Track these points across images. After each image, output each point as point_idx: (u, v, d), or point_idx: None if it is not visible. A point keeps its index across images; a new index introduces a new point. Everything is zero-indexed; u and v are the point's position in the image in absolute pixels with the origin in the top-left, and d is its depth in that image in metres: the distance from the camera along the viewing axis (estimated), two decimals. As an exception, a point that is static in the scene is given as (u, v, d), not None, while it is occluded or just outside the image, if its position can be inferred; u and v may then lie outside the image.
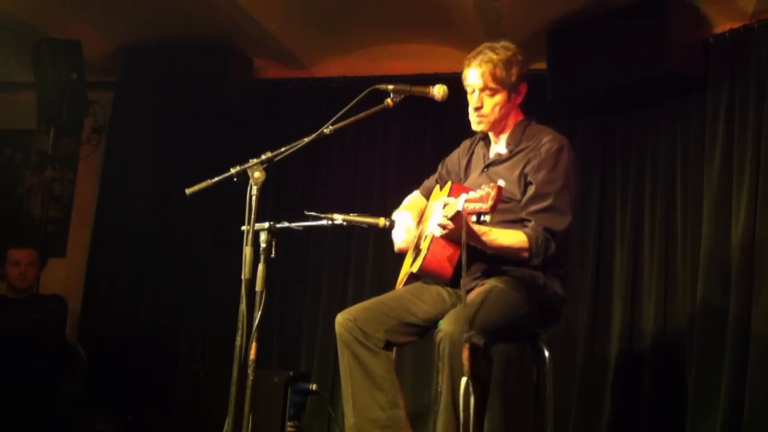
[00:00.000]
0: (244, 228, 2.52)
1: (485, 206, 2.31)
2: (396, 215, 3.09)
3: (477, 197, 2.34)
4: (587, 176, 4.50)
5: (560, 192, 2.75)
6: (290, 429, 3.92)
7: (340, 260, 4.93)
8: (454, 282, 2.82)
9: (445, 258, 2.77)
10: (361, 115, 2.70)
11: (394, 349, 2.89)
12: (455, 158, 3.18)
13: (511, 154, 2.90)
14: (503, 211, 2.80)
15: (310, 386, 4.18)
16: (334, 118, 2.66)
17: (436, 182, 3.21)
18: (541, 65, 4.48)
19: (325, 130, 2.66)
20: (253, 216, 2.51)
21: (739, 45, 4.05)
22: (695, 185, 4.12)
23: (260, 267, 2.55)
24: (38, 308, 4.59)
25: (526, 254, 2.69)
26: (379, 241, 4.73)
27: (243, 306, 2.49)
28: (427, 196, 3.21)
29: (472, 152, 3.10)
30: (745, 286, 3.79)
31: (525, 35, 4.48)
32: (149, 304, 5.17)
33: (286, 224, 2.75)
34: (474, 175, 3.00)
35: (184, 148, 5.35)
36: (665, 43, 3.99)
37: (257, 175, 2.51)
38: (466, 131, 3.17)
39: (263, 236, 2.61)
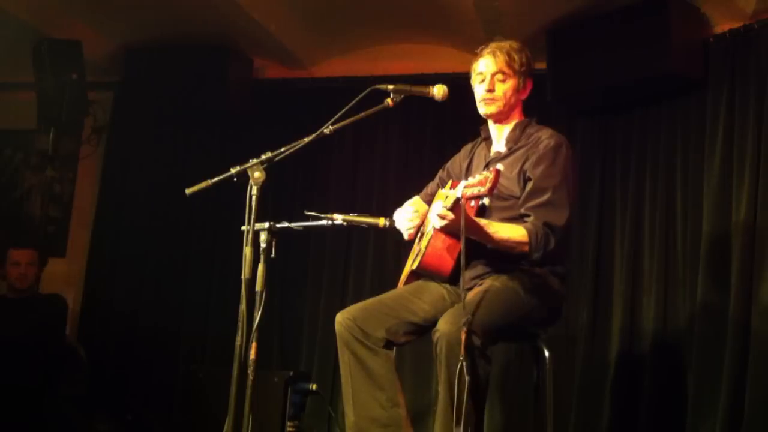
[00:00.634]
0: (244, 228, 2.52)
1: (483, 189, 2.34)
2: (398, 211, 3.10)
3: (476, 182, 2.38)
4: (587, 176, 4.51)
5: (559, 187, 2.77)
6: (290, 429, 3.92)
7: (340, 260, 4.93)
8: (453, 279, 2.83)
9: (444, 254, 2.78)
10: (361, 115, 2.71)
11: (394, 348, 2.90)
12: (456, 162, 3.19)
13: (510, 152, 2.92)
14: (503, 208, 2.81)
15: (310, 386, 4.18)
16: (334, 118, 2.67)
17: (438, 186, 3.21)
18: (541, 65, 4.46)
19: (325, 130, 2.66)
20: (253, 216, 2.51)
21: (739, 45, 4.05)
22: (695, 185, 4.12)
23: (260, 267, 2.55)
24: (38, 308, 4.59)
25: (526, 248, 2.69)
26: (379, 241, 4.73)
27: (243, 306, 2.49)
28: (428, 201, 3.20)
29: (473, 154, 3.12)
30: (745, 286, 3.79)
31: (525, 35, 4.48)
32: (149, 304, 5.17)
33: (286, 224, 2.75)
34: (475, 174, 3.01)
35: (184, 148, 5.35)
36: (665, 43, 3.99)
37: (257, 175, 2.51)
38: (466, 131, 3.18)
39: (263, 236, 2.61)
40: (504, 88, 2.93)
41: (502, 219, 2.78)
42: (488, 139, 3.05)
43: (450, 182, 3.09)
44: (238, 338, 2.49)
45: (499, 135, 3.01)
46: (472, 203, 2.43)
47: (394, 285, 3.16)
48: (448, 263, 2.79)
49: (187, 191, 2.63)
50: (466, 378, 2.40)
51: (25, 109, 5.18)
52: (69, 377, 4.67)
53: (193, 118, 5.19)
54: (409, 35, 4.92)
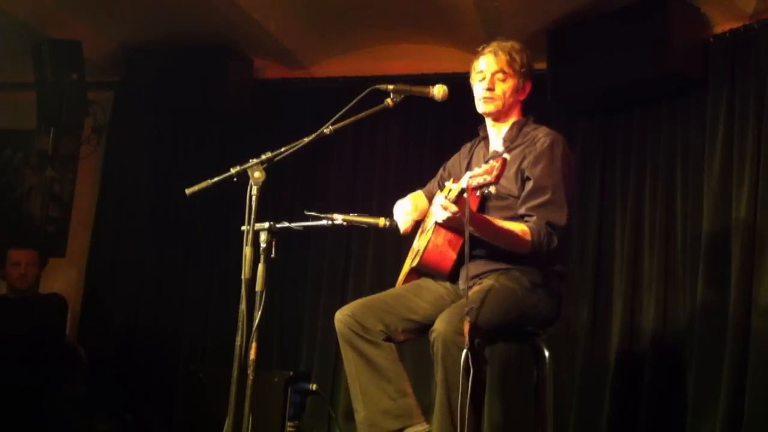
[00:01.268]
0: (244, 228, 2.52)
1: (490, 177, 2.35)
2: (396, 204, 3.10)
3: (482, 171, 2.38)
4: (587, 176, 4.51)
5: (558, 185, 2.77)
6: (290, 429, 3.92)
7: (340, 260, 4.93)
8: (453, 276, 2.83)
9: (445, 250, 2.78)
10: (361, 115, 2.71)
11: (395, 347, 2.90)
12: (456, 161, 3.19)
13: (507, 151, 2.92)
14: (502, 208, 2.81)
15: (310, 386, 4.18)
16: (334, 118, 2.67)
17: (439, 186, 3.21)
18: (541, 65, 4.46)
19: (325, 130, 2.66)
20: (253, 216, 2.51)
21: (739, 45, 4.05)
22: (695, 185, 4.12)
23: (260, 267, 2.55)
24: (38, 308, 4.58)
25: (528, 247, 2.69)
26: (379, 241, 4.73)
27: (243, 306, 2.49)
28: (429, 198, 3.21)
29: (473, 154, 3.12)
30: (745, 286, 3.79)
31: (525, 35, 4.47)
32: (149, 304, 5.17)
33: (286, 224, 2.74)
34: None
35: (184, 148, 5.35)
36: (665, 43, 4.00)
37: (257, 175, 2.51)
38: (466, 130, 3.18)
39: (263, 236, 2.61)
40: (504, 88, 2.94)
41: (502, 215, 2.79)
42: (487, 139, 3.06)
43: (451, 180, 3.09)
44: (238, 338, 2.49)
45: (497, 134, 3.01)
46: (477, 193, 2.43)
47: (394, 284, 3.16)
48: (448, 260, 2.78)
49: (187, 191, 2.63)
50: (471, 367, 2.39)
51: (25, 109, 5.18)
52: (69, 377, 4.67)
53: (193, 118, 5.19)
54: (409, 35, 4.92)
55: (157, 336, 5.08)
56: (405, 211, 3.01)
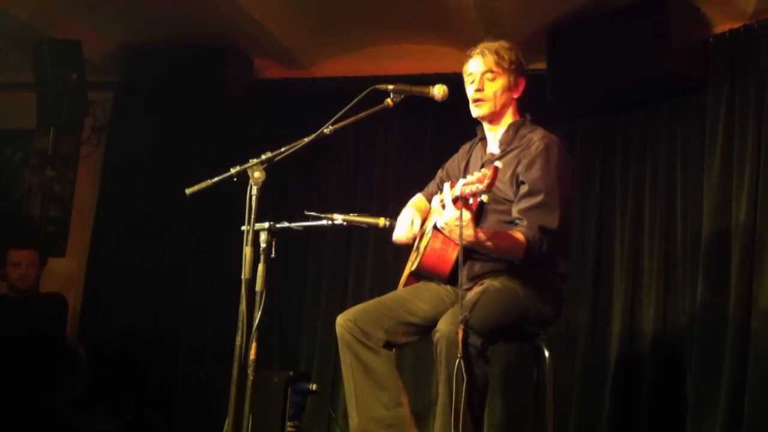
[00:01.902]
0: (244, 228, 2.52)
1: (482, 186, 2.34)
2: (403, 212, 3.10)
3: (474, 179, 2.37)
4: (587, 176, 4.51)
5: (551, 188, 2.75)
6: (290, 429, 3.92)
7: (340, 260, 4.93)
8: (453, 279, 2.83)
9: (443, 254, 2.78)
10: (361, 115, 2.71)
11: (394, 350, 2.90)
12: (455, 162, 3.19)
13: (503, 154, 2.91)
14: (499, 212, 2.81)
15: (310, 386, 4.18)
16: (334, 118, 2.67)
17: (438, 187, 3.21)
18: (541, 65, 4.48)
19: (325, 130, 2.66)
20: (253, 216, 2.51)
21: (739, 45, 4.05)
22: (695, 185, 4.12)
23: (260, 267, 2.55)
24: (38, 308, 4.59)
25: (522, 254, 2.68)
26: (379, 241, 4.73)
27: (243, 306, 2.49)
28: (430, 200, 3.21)
29: (471, 154, 3.12)
30: (745, 286, 3.79)
31: (525, 35, 4.48)
32: (149, 304, 5.17)
33: (286, 224, 2.74)
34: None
35: (184, 148, 5.35)
36: (665, 43, 3.99)
37: (257, 175, 2.51)
38: (466, 131, 3.17)
39: (263, 236, 2.61)
40: (494, 87, 2.92)
41: (498, 222, 2.79)
42: (485, 140, 3.05)
43: (449, 183, 3.09)
44: (238, 338, 2.49)
45: (494, 136, 3.00)
46: (470, 201, 2.43)
47: (394, 285, 3.16)
48: (447, 263, 2.79)
49: (187, 191, 2.63)
50: (464, 377, 2.40)
51: (25, 109, 5.18)
52: (69, 377, 4.67)
53: (193, 118, 5.19)
54: (409, 35, 4.92)
55: (157, 336, 5.08)
56: (404, 228, 3.00)
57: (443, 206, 2.54)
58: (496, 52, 2.92)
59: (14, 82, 5.44)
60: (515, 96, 2.97)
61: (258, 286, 2.53)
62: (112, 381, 4.97)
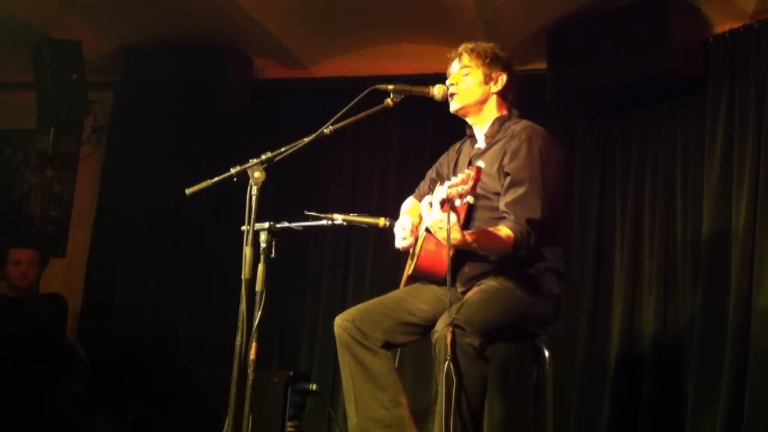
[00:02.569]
0: (244, 228, 2.52)
1: (466, 187, 2.33)
2: (399, 220, 3.10)
3: (458, 181, 2.37)
4: (587, 176, 4.51)
5: (535, 178, 2.73)
6: (290, 429, 3.92)
7: (340, 260, 4.93)
8: (450, 280, 2.82)
9: (438, 256, 2.78)
10: (361, 115, 2.71)
11: (399, 349, 2.90)
12: (445, 161, 3.19)
13: (488, 147, 2.92)
14: (489, 207, 2.80)
15: (310, 386, 4.18)
16: (334, 118, 2.67)
17: (429, 188, 3.21)
18: (541, 65, 4.48)
19: (325, 130, 2.66)
20: (253, 216, 2.51)
21: (739, 45, 4.05)
22: (695, 185, 4.12)
23: (260, 267, 2.55)
24: (38, 308, 4.59)
25: (511, 249, 2.67)
26: (379, 241, 4.73)
27: (243, 306, 2.49)
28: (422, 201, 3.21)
29: (460, 152, 3.12)
30: (745, 286, 3.79)
31: (525, 35, 4.49)
32: (149, 304, 5.18)
33: (286, 224, 2.74)
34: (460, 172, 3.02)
35: (184, 148, 5.34)
36: (665, 43, 3.99)
37: (257, 175, 2.51)
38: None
39: (263, 236, 2.61)
40: (468, 81, 2.93)
41: (488, 217, 2.79)
42: (473, 137, 3.06)
43: (439, 183, 3.10)
44: (238, 338, 2.49)
45: (480, 132, 3.00)
46: (456, 203, 2.42)
47: (394, 285, 3.17)
48: (443, 265, 2.78)
49: (187, 191, 2.63)
50: (454, 379, 2.40)
51: (25, 109, 5.18)
52: (69, 377, 4.67)
53: (193, 117, 5.19)
54: (409, 35, 4.92)
55: (157, 336, 5.08)
56: (401, 236, 2.99)
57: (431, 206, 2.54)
58: (472, 49, 2.95)
59: (14, 82, 5.44)
60: (495, 90, 2.96)
61: (258, 286, 2.53)
62: (112, 381, 4.97)
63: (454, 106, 2.95)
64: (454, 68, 2.98)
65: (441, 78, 3.00)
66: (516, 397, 4.32)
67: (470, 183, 2.32)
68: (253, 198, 2.51)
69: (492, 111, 2.98)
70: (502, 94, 2.98)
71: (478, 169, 2.34)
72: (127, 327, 5.14)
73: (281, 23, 4.81)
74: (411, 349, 3.59)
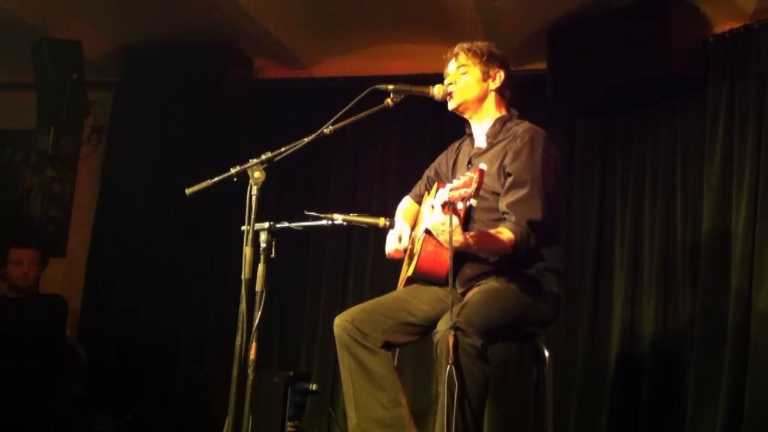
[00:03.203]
0: (244, 228, 2.52)
1: (469, 190, 2.32)
2: (396, 226, 3.09)
3: (461, 184, 2.36)
4: (587, 176, 4.51)
5: (536, 180, 2.74)
6: (290, 429, 3.92)
7: (340, 260, 4.93)
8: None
9: (438, 257, 2.78)
10: (361, 115, 2.71)
11: (398, 349, 2.89)
12: (443, 160, 3.19)
13: (490, 147, 2.92)
14: (488, 208, 2.81)
15: (310, 386, 4.19)
16: (334, 118, 2.67)
17: (426, 188, 3.21)
18: (541, 65, 4.48)
19: (325, 130, 2.66)
20: (253, 216, 2.51)
21: (739, 45, 4.05)
22: (695, 185, 4.12)
23: (260, 267, 2.55)
24: (38, 308, 4.58)
25: (511, 251, 2.67)
26: (379, 241, 4.68)
27: (243, 306, 2.49)
28: (419, 202, 3.21)
29: (459, 151, 3.12)
30: (745, 286, 3.79)
31: (525, 35, 4.49)
32: (149, 304, 5.18)
33: (286, 224, 2.74)
34: (460, 172, 3.02)
35: (184, 148, 5.35)
36: (665, 43, 4.00)
37: (257, 175, 2.51)
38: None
39: (263, 236, 2.61)
40: (466, 79, 2.93)
41: (488, 216, 2.79)
42: (472, 135, 3.06)
43: (435, 185, 3.09)
44: (238, 338, 2.49)
45: (479, 131, 3.00)
46: (459, 205, 2.42)
47: (394, 285, 3.17)
48: (443, 265, 2.78)
49: (187, 191, 2.63)
50: (456, 382, 2.40)
51: (25, 109, 5.18)
52: (69, 377, 4.67)
53: (193, 118, 5.19)
54: (409, 35, 4.92)
55: (157, 336, 5.09)
56: (398, 235, 2.99)
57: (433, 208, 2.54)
58: (468, 48, 2.96)
59: (14, 82, 5.44)
60: (494, 88, 2.97)
61: (258, 286, 2.53)
62: (112, 381, 4.97)
63: (452, 104, 2.95)
64: (451, 68, 2.98)
65: (441, 78, 3.00)
66: (516, 397, 4.32)
67: (473, 186, 2.32)
68: (253, 198, 2.51)
69: (491, 109, 2.98)
70: (500, 92, 2.98)
71: (481, 172, 2.34)
72: (127, 327, 5.15)
73: (281, 23, 4.81)
74: (411, 349, 3.60)
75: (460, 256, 2.77)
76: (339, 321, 2.84)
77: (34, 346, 4.38)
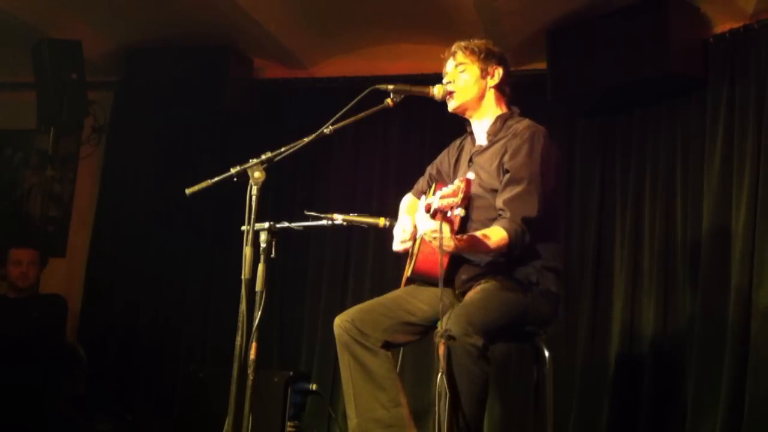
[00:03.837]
0: (244, 228, 2.52)
1: (456, 200, 2.32)
2: (399, 220, 3.09)
3: (450, 192, 2.35)
4: (587, 176, 4.51)
5: (534, 177, 2.75)
6: (290, 429, 3.92)
7: (340, 260, 4.93)
8: (448, 281, 2.83)
9: (436, 259, 2.77)
10: (361, 115, 2.71)
11: (401, 350, 2.89)
12: (445, 158, 3.19)
13: (490, 144, 2.92)
14: (486, 207, 2.81)
15: (310, 386, 4.19)
16: (334, 118, 2.67)
17: (428, 184, 3.21)
18: (541, 65, 4.48)
19: (325, 130, 2.66)
20: (253, 216, 2.51)
21: (739, 45, 4.05)
22: (695, 185, 4.12)
23: (260, 267, 2.55)
24: (38, 308, 4.59)
25: (506, 249, 2.68)
26: (379, 241, 4.73)
27: (243, 306, 2.49)
28: (420, 197, 3.21)
29: (461, 149, 3.12)
30: (745, 286, 3.79)
31: (525, 35, 4.49)
32: (149, 304, 5.18)
33: (286, 224, 2.74)
34: (462, 170, 3.02)
35: (184, 148, 5.35)
36: (665, 43, 4.00)
37: (257, 175, 2.51)
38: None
39: (263, 236, 2.61)
40: (464, 78, 2.93)
41: (486, 218, 2.79)
42: (473, 134, 3.06)
43: (434, 185, 3.09)
44: (238, 338, 2.49)
45: (480, 128, 3.00)
46: (449, 214, 2.42)
47: (394, 285, 3.16)
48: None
49: (187, 191, 2.63)
50: (447, 392, 2.40)
51: (25, 109, 5.18)
52: (69, 377, 4.67)
53: (193, 118, 5.19)
54: (409, 35, 4.92)
55: (157, 336, 5.08)
56: (399, 238, 2.98)
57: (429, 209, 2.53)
58: (465, 47, 2.95)
59: (14, 82, 5.44)
60: (492, 85, 2.96)
61: (258, 286, 2.53)
62: (112, 381, 4.97)
63: (452, 105, 2.95)
64: (449, 66, 2.97)
65: (441, 78, 3.00)
66: (516, 397, 4.32)
67: (460, 196, 2.32)
68: (253, 198, 2.51)
69: (491, 106, 2.98)
70: (499, 88, 2.98)
71: (468, 182, 2.34)
72: (127, 327, 5.14)
73: (281, 23, 4.81)
74: (411, 349, 3.59)
75: (459, 257, 2.77)
76: (339, 321, 2.84)
77: (34, 347, 4.38)
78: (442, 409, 2.43)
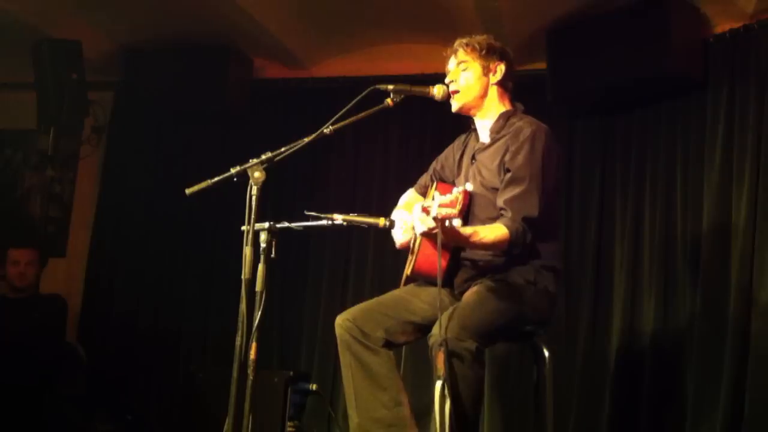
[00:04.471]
0: (244, 228, 2.52)
1: (453, 211, 2.32)
2: (395, 214, 3.10)
3: (447, 202, 2.34)
4: (587, 176, 4.51)
5: (535, 175, 2.74)
6: (290, 429, 3.92)
7: (340, 260, 4.93)
8: (447, 281, 2.82)
9: (435, 258, 2.77)
10: (361, 115, 2.71)
11: (403, 349, 2.89)
12: (450, 153, 3.19)
13: (492, 142, 2.92)
14: (487, 205, 2.81)
15: (310, 386, 4.18)
16: (334, 118, 2.67)
17: (431, 179, 3.21)
18: (541, 65, 4.48)
19: (325, 130, 2.66)
20: (253, 216, 2.51)
21: (739, 45, 4.05)
22: (695, 185, 4.12)
23: (260, 267, 2.55)
24: (38, 308, 4.59)
25: (506, 247, 2.68)
26: (379, 241, 4.73)
27: (243, 306, 2.49)
28: (423, 193, 3.21)
29: (465, 145, 3.11)
30: (745, 286, 3.79)
31: (525, 35, 4.49)
32: (149, 304, 5.18)
33: (286, 224, 2.74)
34: (465, 167, 3.03)
35: (184, 148, 5.35)
36: (665, 43, 3.99)
37: (257, 175, 2.51)
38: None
39: (263, 236, 2.61)
40: (467, 76, 2.92)
41: (486, 217, 2.79)
42: (476, 131, 3.05)
43: (435, 184, 3.09)
44: (238, 338, 2.49)
45: (483, 126, 2.99)
46: (447, 224, 2.41)
47: (394, 285, 3.16)
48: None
49: (187, 191, 2.63)
50: (447, 397, 2.40)
51: (25, 109, 5.18)
52: (69, 377, 4.67)
53: (193, 118, 5.19)
54: (409, 35, 4.92)
55: (157, 336, 5.09)
56: (404, 225, 2.97)
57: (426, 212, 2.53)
58: (467, 44, 2.94)
59: (14, 82, 5.43)
60: (495, 81, 2.95)
61: (258, 286, 2.53)
62: (112, 381, 4.97)
63: (455, 105, 2.95)
64: (452, 65, 2.97)
65: (441, 78, 3.00)
66: (516, 397, 4.32)
67: (457, 207, 2.32)
68: (253, 198, 2.50)
69: (494, 103, 2.96)
70: (502, 84, 2.97)
71: (466, 194, 2.35)
72: (127, 327, 5.14)
73: (281, 23, 4.81)
74: (411, 349, 3.59)
75: (457, 257, 2.77)
76: (340, 320, 2.84)
77: (34, 347, 4.39)
78: (440, 414, 2.43)
